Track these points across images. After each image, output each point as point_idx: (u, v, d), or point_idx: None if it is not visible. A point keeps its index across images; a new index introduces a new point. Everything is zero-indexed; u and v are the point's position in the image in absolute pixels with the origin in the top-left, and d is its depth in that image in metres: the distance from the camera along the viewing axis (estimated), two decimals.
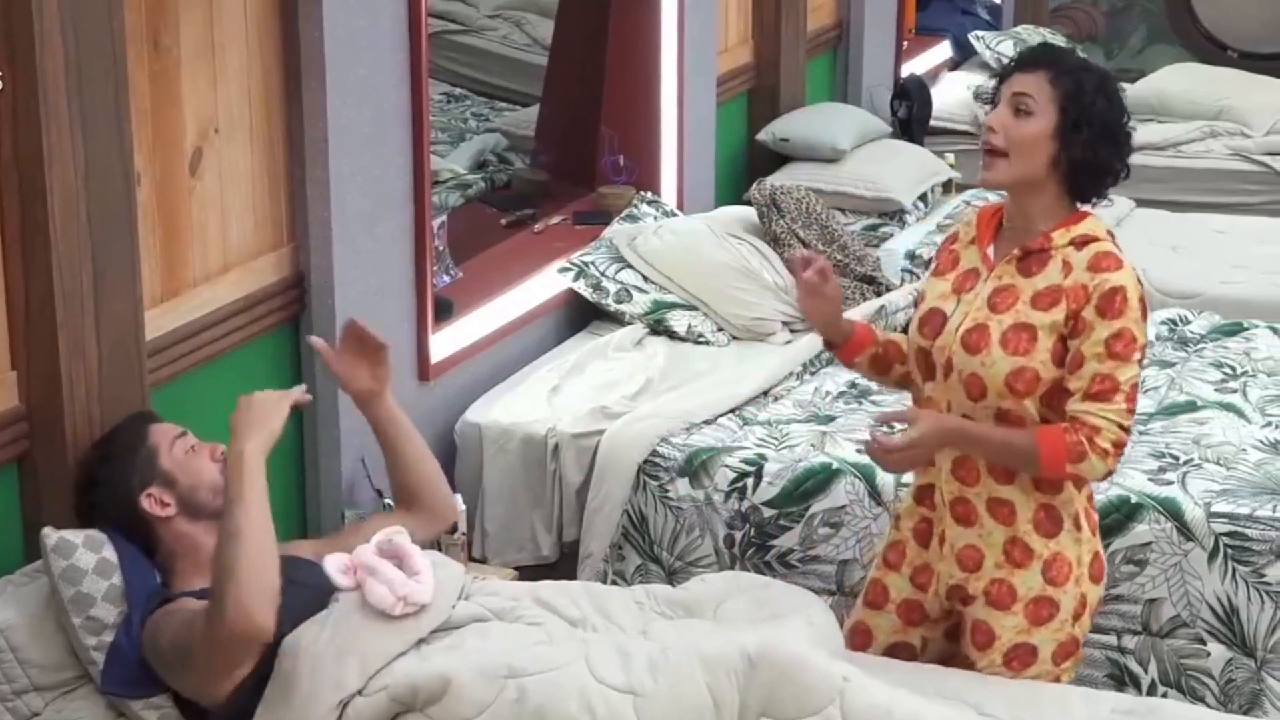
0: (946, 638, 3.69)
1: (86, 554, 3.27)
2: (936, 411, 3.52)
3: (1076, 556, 3.51)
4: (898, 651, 3.67)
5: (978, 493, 3.52)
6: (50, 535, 3.26)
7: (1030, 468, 3.43)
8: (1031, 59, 3.52)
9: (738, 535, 4.48)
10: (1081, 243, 3.45)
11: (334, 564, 3.31)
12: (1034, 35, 8.85)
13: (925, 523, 3.63)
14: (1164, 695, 4.18)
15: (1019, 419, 3.44)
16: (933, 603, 3.64)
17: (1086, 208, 3.54)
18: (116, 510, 3.35)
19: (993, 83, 3.68)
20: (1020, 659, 3.52)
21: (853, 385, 5.02)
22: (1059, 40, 8.93)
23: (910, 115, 7.72)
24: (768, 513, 4.45)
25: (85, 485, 3.40)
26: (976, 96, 8.13)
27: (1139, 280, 3.45)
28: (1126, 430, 3.41)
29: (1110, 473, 3.46)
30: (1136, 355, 3.41)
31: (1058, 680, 3.54)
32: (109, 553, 3.29)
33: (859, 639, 3.72)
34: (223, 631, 3.08)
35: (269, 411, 3.35)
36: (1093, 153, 3.46)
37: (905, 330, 3.84)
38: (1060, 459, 3.38)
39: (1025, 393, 3.42)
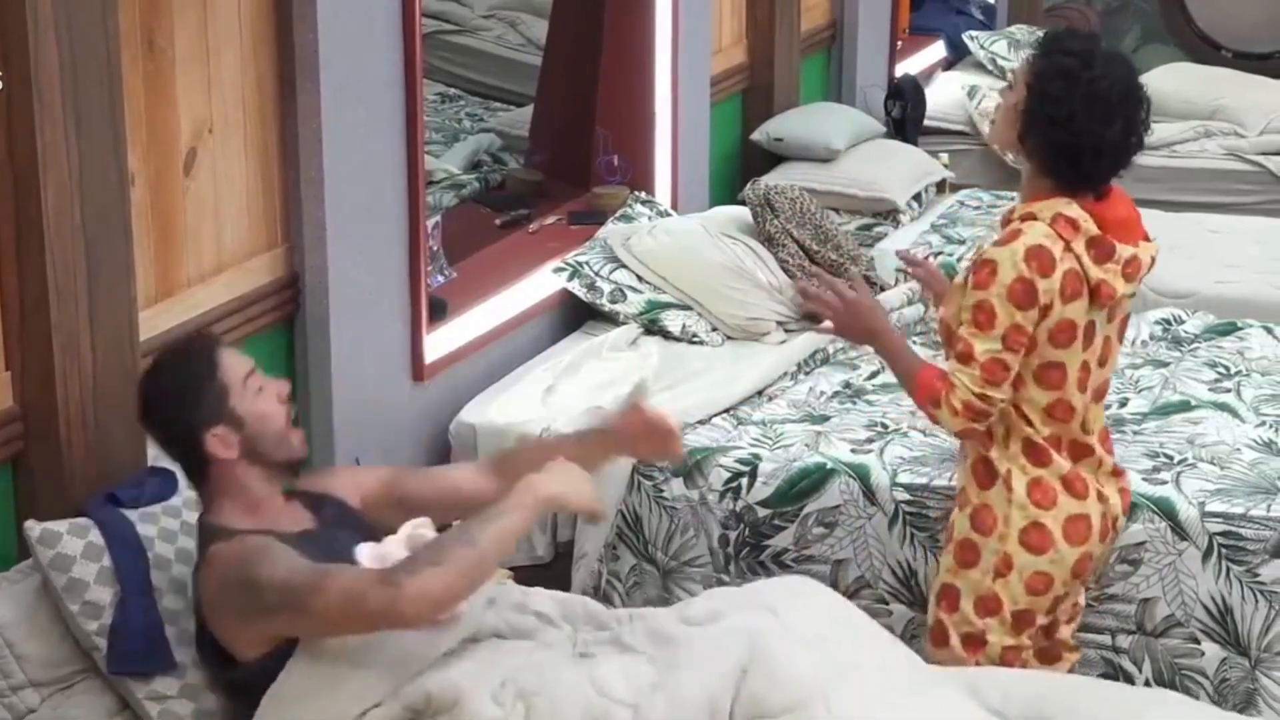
0: None
1: (73, 540, 3.27)
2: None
3: (1004, 515, 3.72)
4: None
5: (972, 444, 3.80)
6: (34, 527, 3.27)
7: (908, 390, 3.76)
8: (1041, 41, 3.73)
9: (732, 535, 4.48)
10: (1024, 217, 3.63)
11: (366, 554, 3.25)
12: (1028, 35, 8.86)
13: None
14: None
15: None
16: None
17: (1064, 200, 3.64)
18: (177, 442, 3.34)
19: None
20: (947, 599, 3.80)
21: (846, 385, 5.02)
22: None
23: (904, 115, 7.72)
24: (762, 513, 4.44)
25: (150, 406, 3.36)
26: (970, 95, 8.14)
27: (1028, 265, 3.56)
28: (980, 399, 3.60)
29: (960, 434, 3.73)
30: (996, 331, 3.57)
31: (982, 637, 3.73)
32: (95, 536, 3.30)
33: None
34: (396, 606, 3.01)
35: (579, 486, 3.25)
36: (1048, 137, 3.60)
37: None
38: (925, 395, 3.66)
39: (948, 343, 3.73)
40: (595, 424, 3.80)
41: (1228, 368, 5.16)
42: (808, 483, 4.43)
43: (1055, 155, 3.62)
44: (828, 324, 4.04)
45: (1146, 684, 4.21)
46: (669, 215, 5.92)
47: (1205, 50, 9.25)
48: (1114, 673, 4.24)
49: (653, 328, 5.35)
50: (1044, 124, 3.59)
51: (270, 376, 3.41)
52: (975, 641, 3.77)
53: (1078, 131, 3.58)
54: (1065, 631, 3.98)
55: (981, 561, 3.74)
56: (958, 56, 8.98)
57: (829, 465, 4.44)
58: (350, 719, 3.12)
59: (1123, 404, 4.90)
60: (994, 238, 3.73)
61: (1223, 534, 4.17)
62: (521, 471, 3.26)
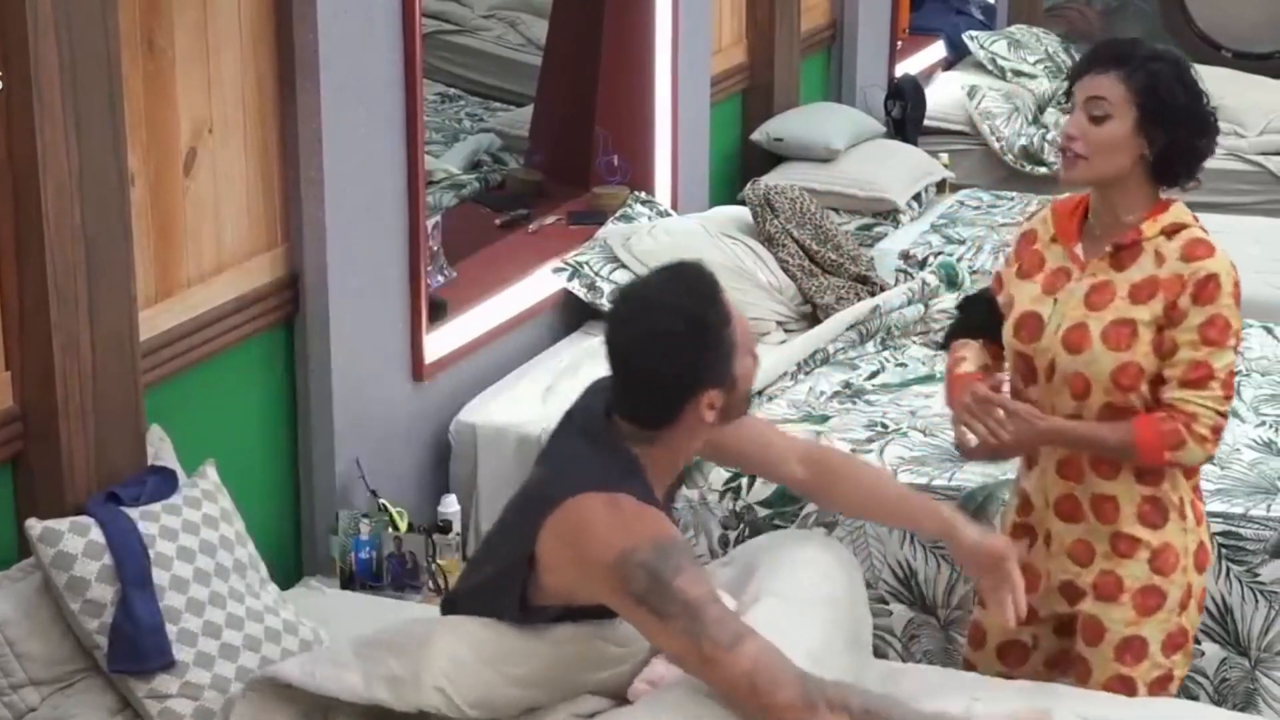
0: (1056, 634, 3.72)
1: (73, 539, 3.27)
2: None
3: (1183, 546, 3.54)
4: (1009, 650, 3.74)
5: (1083, 489, 3.55)
6: (35, 525, 3.27)
7: (1129, 458, 3.46)
8: (1100, 58, 3.52)
9: (732, 535, 4.47)
10: (1172, 231, 3.50)
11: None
12: (1028, 35, 8.87)
13: (1023, 528, 3.67)
14: None
15: (1125, 413, 3.46)
16: (1043, 601, 3.64)
17: (1172, 193, 3.56)
18: (656, 391, 3.01)
19: (1063, 86, 3.75)
20: (1132, 652, 3.56)
21: (847, 385, 5.02)
22: (1053, 40, 8.95)
23: (904, 115, 7.72)
24: (762, 513, 4.44)
25: (648, 348, 3.00)
26: (970, 95, 8.14)
27: (1233, 266, 3.50)
28: (1224, 416, 3.45)
29: (1210, 458, 3.51)
30: (1231, 342, 3.45)
31: (1170, 674, 3.58)
32: (96, 535, 3.29)
33: (975, 636, 3.79)
34: (775, 712, 2.84)
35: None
36: (1176, 142, 3.48)
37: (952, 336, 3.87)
38: (1159, 448, 3.42)
39: (1130, 387, 3.45)
40: (956, 528, 3.43)
41: None
42: None
43: (1177, 160, 3.52)
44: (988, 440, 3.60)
45: None
46: (669, 215, 5.92)
47: (1205, 50, 9.25)
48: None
49: None
50: (1171, 132, 3.48)
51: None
52: (1163, 681, 3.60)
53: (1199, 129, 3.53)
54: None
55: (1168, 601, 3.54)
56: (958, 56, 8.98)
57: None
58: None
59: None
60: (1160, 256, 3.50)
61: (1223, 534, 4.16)
62: (841, 491, 3.35)
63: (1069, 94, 3.57)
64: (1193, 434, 3.41)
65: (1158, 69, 3.48)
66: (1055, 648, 3.72)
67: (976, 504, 4.26)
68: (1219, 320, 3.44)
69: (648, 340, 2.99)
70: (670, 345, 2.97)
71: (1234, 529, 4.17)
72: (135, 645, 3.26)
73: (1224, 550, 4.16)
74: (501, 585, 3.06)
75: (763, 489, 4.43)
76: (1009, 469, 3.99)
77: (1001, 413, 3.49)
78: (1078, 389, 3.50)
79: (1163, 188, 3.54)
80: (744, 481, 4.45)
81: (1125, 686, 3.56)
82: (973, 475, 4.31)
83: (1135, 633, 3.55)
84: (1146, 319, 3.45)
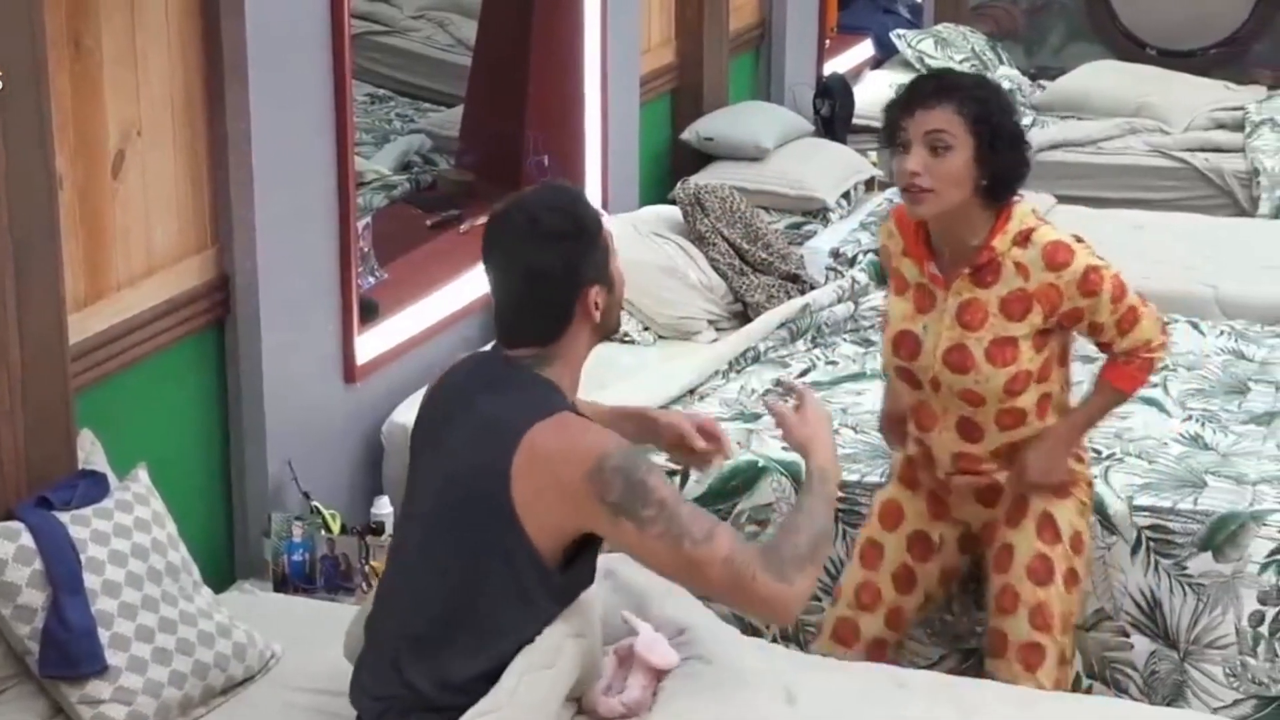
0: (959, 547, 4.03)
1: (3, 544, 3.25)
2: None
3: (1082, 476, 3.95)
4: (917, 541, 3.98)
5: (982, 446, 3.87)
6: None
7: (1124, 401, 3.97)
8: (928, 93, 3.68)
9: None
10: (1023, 239, 3.70)
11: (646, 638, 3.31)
12: (954, 34, 8.91)
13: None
14: (1089, 689, 4.22)
15: (1019, 412, 3.78)
16: (957, 505, 3.96)
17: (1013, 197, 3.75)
18: (551, 285, 3.13)
19: (883, 122, 3.80)
20: (1050, 529, 3.86)
21: (778, 384, 5.04)
22: (980, 38, 9.00)
23: (833, 114, 7.75)
24: None
25: (545, 239, 3.12)
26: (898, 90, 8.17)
27: (1089, 247, 3.78)
28: (1160, 319, 3.84)
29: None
30: (1125, 284, 3.78)
31: (1075, 572, 3.88)
32: (26, 540, 3.27)
33: (889, 514, 4.02)
34: (785, 603, 3.01)
35: (824, 422, 3.32)
36: (1008, 164, 3.69)
37: None
38: (1141, 381, 3.87)
39: (1021, 391, 3.75)
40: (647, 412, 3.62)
41: None
42: (740, 480, 4.45)
43: (1009, 180, 3.72)
44: None
45: (1078, 678, 4.24)
46: (600, 215, 5.92)
47: (1130, 48, 9.32)
48: None
49: None
50: (1004, 156, 3.68)
51: None
52: (1071, 577, 3.93)
53: (1024, 149, 3.76)
54: None
55: (1062, 536, 3.91)
56: (885, 55, 9.03)
57: (761, 463, 4.46)
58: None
59: None
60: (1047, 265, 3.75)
61: (1151, 528, 4.20)
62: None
63: (892, 132, 3.69)
64: (1154, 353, 3.82)
65: (985, 97, 3.68)
66: (953, 561, 3.99)
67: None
68: (1114, 282, 3.74)
69: (538, 241, 3.13)
70: (560, 242, 3.13)
71: (1161, 523, 4.20)
72: (67, 650, 3.24)
73: (1152, 544, 4.20)
74: (514, 571, 3.06)
75: (695, 487, 4.43)
76: None
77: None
78: (970, 400, 3.79)
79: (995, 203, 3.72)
80: (676, 480, 4.45)
81: (1044, 568, 3.83)
82: None
83: (1050, 510, 3.85)
84: (1025, 332, 3.71)
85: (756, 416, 4.74)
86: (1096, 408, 3.89)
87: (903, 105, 3.69)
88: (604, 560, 3.31)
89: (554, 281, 3.13)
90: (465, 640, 3.08)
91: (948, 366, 3.75)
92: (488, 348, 3.35)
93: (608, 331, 3.26)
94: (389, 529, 4.32)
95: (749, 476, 4.44)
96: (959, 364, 3.74)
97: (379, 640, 3.19)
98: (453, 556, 3.08)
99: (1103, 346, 3.84)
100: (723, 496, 4.43)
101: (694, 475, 4.41)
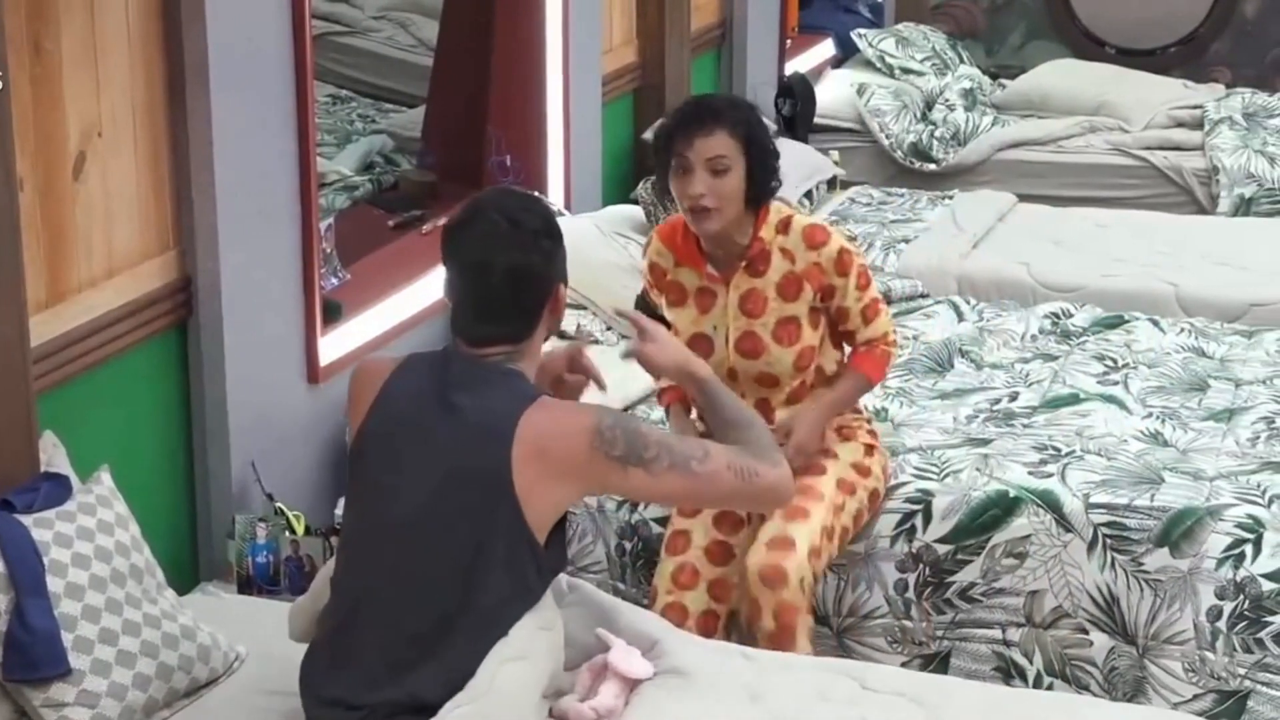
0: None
1: None
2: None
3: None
4: (723, 519, 4.20)
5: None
6: None
7: (868, 390, 4.33)
8: (699, 119, 4.07)
9: (628, 545, 4.50)
10: (784, 227, 4.17)
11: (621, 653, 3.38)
12: (915, 33, 8.93)
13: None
14: (1050, 686, 4.24)
15: (804, 388, 4.21)
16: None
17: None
18: (533, 280, 3.23)
19: (654, 144, 4.19)
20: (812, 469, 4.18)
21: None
22: (941, 38, 9.03)
23: (794, 113, 7.77)
24: (656, 529, 4.45)
25: (532, 234, 3.23)
26: (860, 93, 8.19)
27: (842, 232, 4.41)
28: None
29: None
30: (873, 279, 4.25)
31: (840, 521, 4.18)
32: None
33: (676, 544, 4.22)
34: (786, 485, 3.29)
35: (673, 341, 3.58)
36: (767, 175, 4.11)
37: None
38: (882, 370, 4.29)
39: (808, 365, 4.20)
40: None
41: (1116, 360, 5.24)
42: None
43: (768, 189, 4.14)
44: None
45: (1038, 676, 4.27)
46: (562, 215, 5.93)
47: (1089, 47, 9.35)
48: (1005, 666, 4.29)
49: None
50: (767, 169, 4.11)
51: None
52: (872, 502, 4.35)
53: (777, 161, 4.17)
54: None
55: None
56: (846, 54, 9.04)
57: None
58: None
59: (1013, 398, 4.97)
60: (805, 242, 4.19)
61: (1107, 524, 4.23)
62: None
63: (671, 158, 4.05)
64: (890, 346, 4.26)
65: (748, 118, 4.11)
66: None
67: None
68: (861, 270, 4.19)
69: (521, 241, 3.22)
70: (540, 241, 3.24)
71: (1118, 519, 4.23)
72: (30, 654, 3.23)
73: (1108, 541, 4.23)
74: (516, 561, 3.14)
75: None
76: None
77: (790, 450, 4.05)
78: (765, 383, 4.20)
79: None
80: None
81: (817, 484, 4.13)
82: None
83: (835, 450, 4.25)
84: (804, 310, 4.16)
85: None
86: (845, 391, 4.24)
87: (682, 133, 4.04)
88: (565, 579, 3.43)
89: (536, 280, 3.24)
90: (468, 636, 3.12)
91: (741, 354, 4.17)
92: (434, 350, 3.39)
93: (557, 327, 3.41)
94: None
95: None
96: (751, 350, 4.16)
97: (358, 650, 3.18)
98: (453, 554, 3.12)
99: (846, 336, 4.25)
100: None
101: None
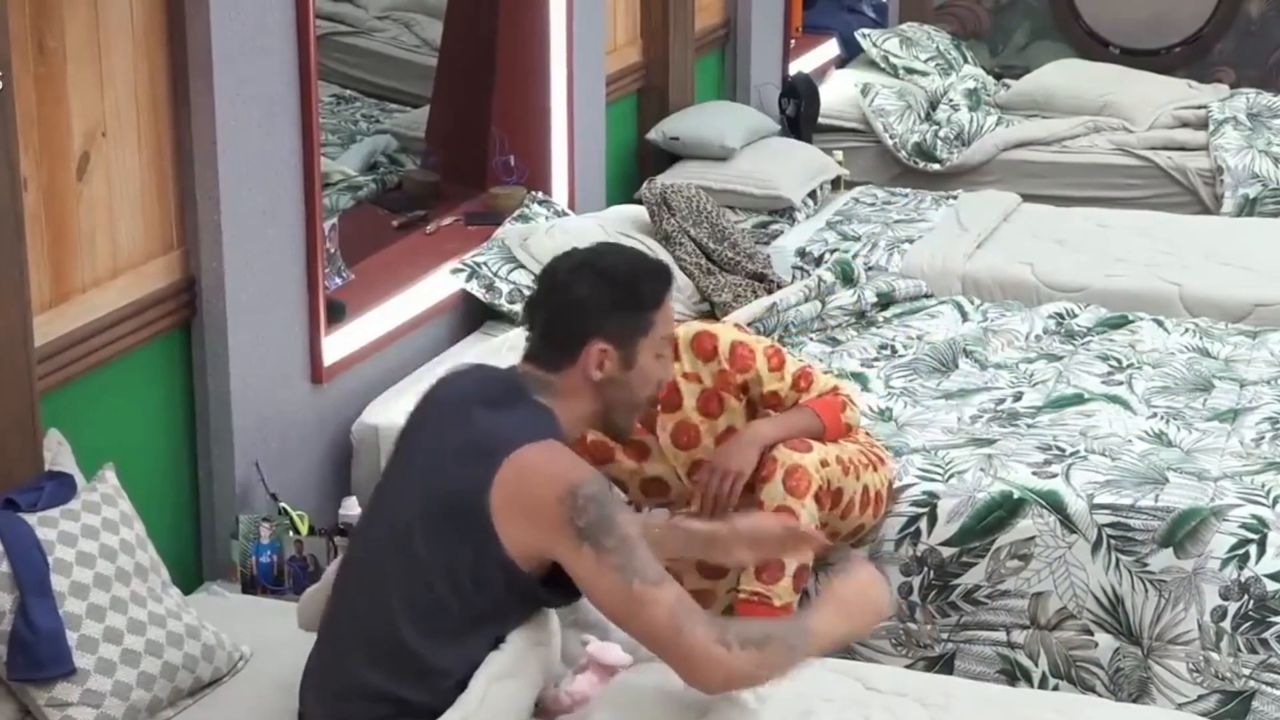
0: None
1: None
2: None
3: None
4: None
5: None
6: None
7: (819, 435, 4.12)
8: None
9: None
10: (675, 354, 3.94)
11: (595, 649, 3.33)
12: (919, 33, 8.93)
13: None
14: (1055, 688, 4.24)
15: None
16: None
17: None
18: (573, 317, 3.19)
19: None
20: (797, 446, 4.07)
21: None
22: (945, 37, 9.03)
23: (799, 113, 7.77)
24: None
25: (583, 274, 3.21)
26: (864, 93, 8.19)
27: (729, 324, 4.31)
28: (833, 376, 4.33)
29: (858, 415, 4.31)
30: (786, 352, 4.17)
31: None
32: None
33: None
34: (715, 667, 2.95)
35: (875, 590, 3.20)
36: None
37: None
38: (834, 410, 4.14)
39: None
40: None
41: (1120, 360, 5.24)
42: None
43: None
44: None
45: (1043, 678, 4.27)
46: (566, 215, 5.93)
47: (1093, 47, 9.35)
48: (1010, 668, 4.29)
49: None
50: None
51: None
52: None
53: None
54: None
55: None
56: (850, 54, 9.04)
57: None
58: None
59: (1017, 398, 4.96)
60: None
61: (1111, 525, 4.23)
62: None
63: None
64: (840, 394, 4.17)
65: None
66: None
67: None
68: (770, 353, 4.12)
69: (583, 269, 3.22)
70: (598, 280, 3.20)
71: (1122, 520, 4.23)
72: (34, 653, 3.23)
73: (1112, 541, 4.23)
74: (486, 571, 3.06)
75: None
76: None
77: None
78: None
79: None
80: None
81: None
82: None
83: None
84: (737, 416, 4.12)
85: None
86: (789, 421, 4.10)
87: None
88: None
89: (574, 314, 3.20)
90: (442, 641, 3.08)
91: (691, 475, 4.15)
92: (499, 365, 3.37)
93: (609, 410, 3.26)
94: None
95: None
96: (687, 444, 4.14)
97: (342, 649, 3.17)
98: (430, 557, 3.08)
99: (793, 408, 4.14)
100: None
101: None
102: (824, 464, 4.05)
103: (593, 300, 3.19)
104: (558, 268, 3.27)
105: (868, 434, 4.40)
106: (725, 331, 4.14)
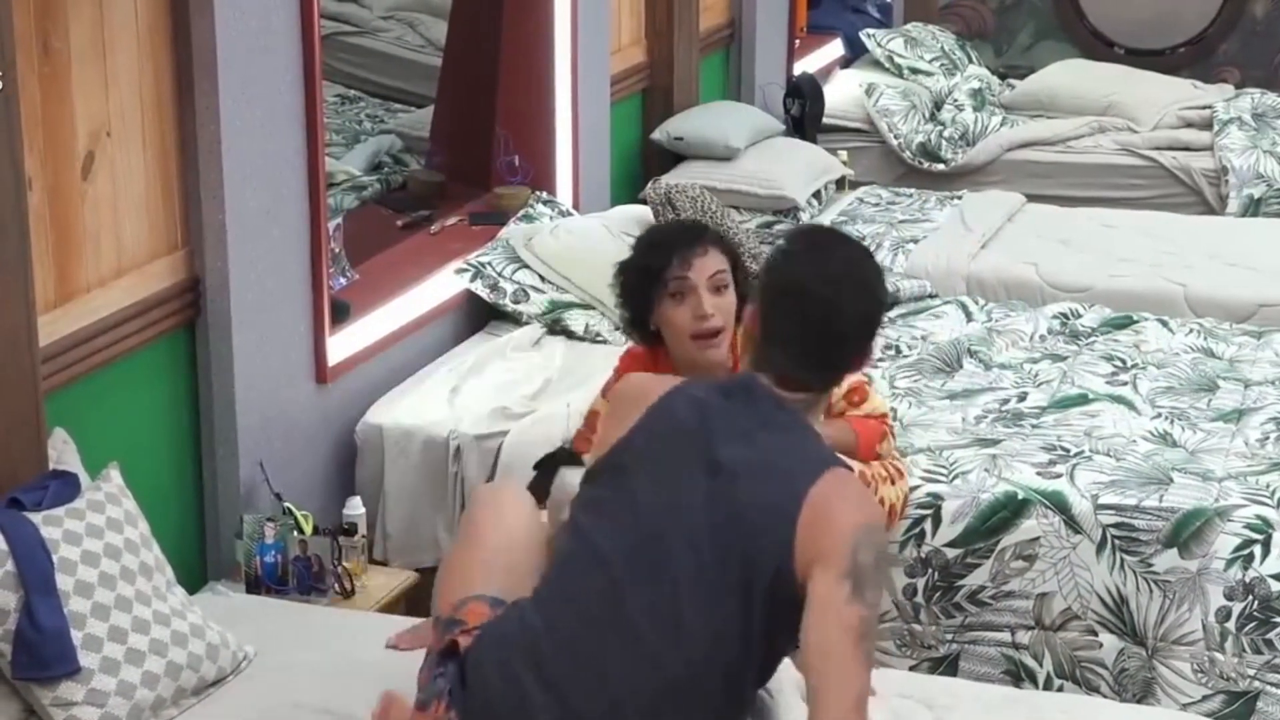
0: None
1: None
2: None
3: None
4: None
5: None
6: None
7: (852, 453, 3.97)
8: (689, 240, 3.92)
9: None
10: None
11: None
12: (924, 33, 8.93)
13: None
14: (1060, 688, 4.24)
15: None
16: None
17: None
18: (872, 328, 3.01)
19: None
20: None
21: None
22: (949, 38, 9.03)
23: (803, 113, 7.76)
24: None
25: (876, 276, 3.04)
26: (868, 94, 8.19)
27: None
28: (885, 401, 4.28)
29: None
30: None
31: None
32: None
33: None
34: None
35: None
36: (747, 289, 3.89)
37: None
38: (873, 435, 4.10)
39: None
40: None
41: (1124, 360, 5.23)
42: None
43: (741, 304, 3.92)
44: None
45: (1048, 678, 4.26)
46: (571, 215, 5.94)
47: (1098, 47, 9.35)
48: (1015, 669, 4.29)
49: (556, 328, 5.36)
50: (742, 285, 3.96)
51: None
52: None
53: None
54: None
55: None
56: (855, 55, 9.03)
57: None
58: None
59: (1021, 398, 4.96)
60: None
61: (1115, 526, 4.22)
62: None
63: (668, 281, 3.86)
64: (887, 423, 4.15)
65: (725, 235, 4.06)
66: None
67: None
68: (862, 386, 4.08)
69: (876, 283, 3.04)
70: (875, 287, 3.04)
71: (1126, 520, 4.22)
72: (40, 652, 3.23)
73: (1117, 542, 4.22)
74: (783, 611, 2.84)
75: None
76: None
77: None
78: None
79: None
80: None
81: None
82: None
83: None
84: None
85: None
86: (828, 432, 3.78)
87: (678, 256, 3.86)
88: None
89: (873, 325, 3.03)
90: (736, 681, 2.88)
91: None
92: (719, 381, 3.13)
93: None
94: (361, 529, 4.32)
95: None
96: None
97: (585, 694, 2.86)
98: (730, 592, 2.84)
99: (837, 417, 4.07)
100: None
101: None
102: None
103: (880, 308, 3.05)
104: (842, 301, 2.95)
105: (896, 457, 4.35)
106: None
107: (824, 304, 2.93)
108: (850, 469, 3.07)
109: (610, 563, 2.90)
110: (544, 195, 5.97)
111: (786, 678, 3.14)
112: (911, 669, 4.27)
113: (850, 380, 3.92)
